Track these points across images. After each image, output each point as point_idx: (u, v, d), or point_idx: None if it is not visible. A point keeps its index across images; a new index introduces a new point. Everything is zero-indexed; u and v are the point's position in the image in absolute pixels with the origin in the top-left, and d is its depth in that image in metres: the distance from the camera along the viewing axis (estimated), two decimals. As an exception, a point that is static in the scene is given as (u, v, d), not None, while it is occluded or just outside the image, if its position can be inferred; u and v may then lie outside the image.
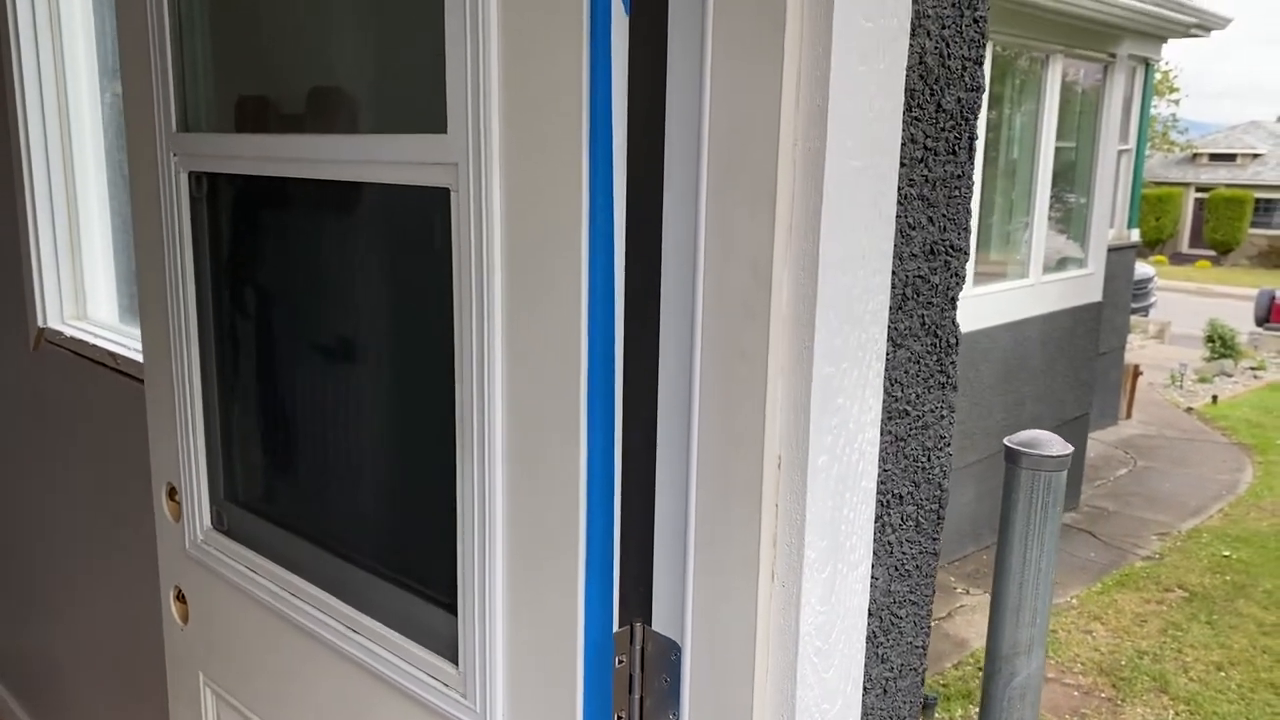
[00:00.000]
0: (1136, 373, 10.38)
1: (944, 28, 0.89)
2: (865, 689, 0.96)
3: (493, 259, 0.95)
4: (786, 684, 0.87)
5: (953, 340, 0.97)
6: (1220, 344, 13.61)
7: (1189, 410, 11.00)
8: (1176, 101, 32.36)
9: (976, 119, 0.94)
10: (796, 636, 0.86)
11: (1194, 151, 32.77)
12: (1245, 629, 5.67)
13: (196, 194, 1.37)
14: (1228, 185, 30.54)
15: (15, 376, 2.64)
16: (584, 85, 0.84)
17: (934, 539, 1.01)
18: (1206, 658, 5.31)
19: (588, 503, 0.92)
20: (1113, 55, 7.51)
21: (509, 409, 0.97)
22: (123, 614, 2.35)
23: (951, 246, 0.94)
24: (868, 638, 0.95)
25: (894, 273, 0.88)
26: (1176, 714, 4.78)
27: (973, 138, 0.94)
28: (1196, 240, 30.75)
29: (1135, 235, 9.48)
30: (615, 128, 0.86)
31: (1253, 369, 13.56)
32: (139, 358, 2.07)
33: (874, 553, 0.94)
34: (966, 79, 0.92)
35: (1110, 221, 8.14)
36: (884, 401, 0.90)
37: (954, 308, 0.96)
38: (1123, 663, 5.22)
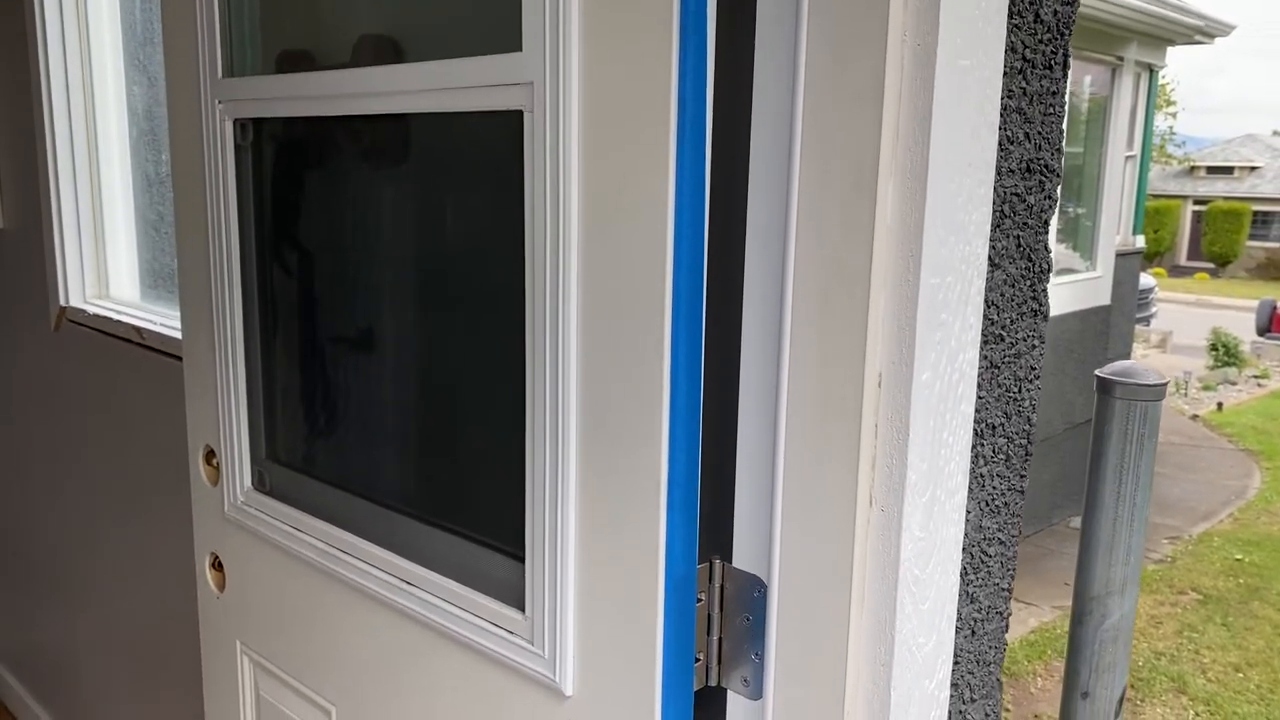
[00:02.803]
0: (1142, 379, 10.34)
1: (1043, -65, 0.86)
2: (955, 628, 0.92)
3: (569, 180, 0.91)
4: (884, 613, 0.83)
5: (1045, 266, 0.93)
6: (1224, 352, 13.60)
7: (1195, 417, 10.97)
8: (1174, 114, 32.40)
9: (1070, 35, 0.91)
10: (896, 563, 0.82)
11: (1191, 164, 32.84)
12: (1261, 630, 5.62)
13: (242, 142, 1.34)
14: (1225, 198, 30.60)
15: (35, 357, 2.60)
16: (678, -14, 0.81)
17: (1022, 476, 0.98)
18: (1224, 659, 5.27)
19: (670, 432, 0.88)
20: (1120, 59, 7.51)
21: (584, 337, 0.93)
22: (146, 594, 2.30)
23: (1046, 166, 0.91)
24: (959, 573, 0.91)
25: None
26: (1196, 714, 4.73)
27: (1067, 54, 0.91)
28: (1195, 253, 30.79)
29: (1140, 242, 9.46)
30: (709, 30, 0.83)
31: (1256, 377, 13.54)
32: (165, 332, 2.03)
33: (966, 485, 0.90)
34: (1063, -8, 0.89)
35: (1116, 227, 8.12)
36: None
37: (1046, 231, 0.93)
38: (1140, 663, 5.17)
